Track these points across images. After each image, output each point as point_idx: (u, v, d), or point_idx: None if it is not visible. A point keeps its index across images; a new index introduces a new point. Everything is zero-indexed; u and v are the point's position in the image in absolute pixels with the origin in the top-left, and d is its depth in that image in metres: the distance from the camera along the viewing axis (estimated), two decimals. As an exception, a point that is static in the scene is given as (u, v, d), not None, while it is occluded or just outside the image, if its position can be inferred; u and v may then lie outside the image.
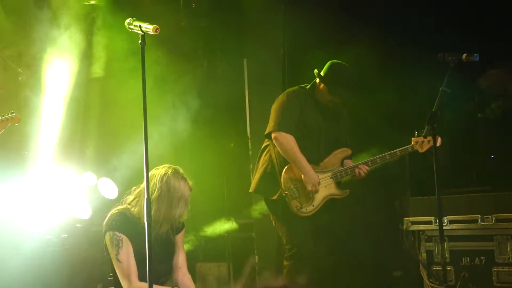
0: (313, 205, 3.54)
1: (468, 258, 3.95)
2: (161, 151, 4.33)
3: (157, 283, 2.70)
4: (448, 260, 3.67)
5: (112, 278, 2.79)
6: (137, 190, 2.77)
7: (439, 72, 3.25)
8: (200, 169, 4.61)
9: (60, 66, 4.64)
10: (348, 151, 3.65)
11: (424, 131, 3.37)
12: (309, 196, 3.54)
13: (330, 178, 3.61)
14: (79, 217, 4.60)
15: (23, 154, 4.71)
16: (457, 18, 4.35)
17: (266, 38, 4.87)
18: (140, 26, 2.44)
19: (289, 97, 3.61)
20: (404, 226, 4.19)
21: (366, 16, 4.48)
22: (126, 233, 2.65)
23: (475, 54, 3.06)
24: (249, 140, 4.98)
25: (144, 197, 2.46)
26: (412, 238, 4.24)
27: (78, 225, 4.60)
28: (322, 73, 3.53)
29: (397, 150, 3.63)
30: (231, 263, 5.01)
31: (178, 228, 2.90)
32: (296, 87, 3.71)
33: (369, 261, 4.22)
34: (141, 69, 2.43)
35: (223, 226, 5.17)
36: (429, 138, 3.52)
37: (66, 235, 4.40)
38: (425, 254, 4.11)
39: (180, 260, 2.89)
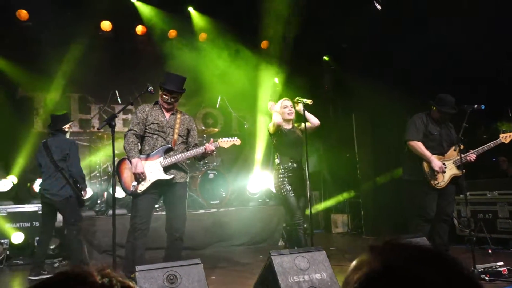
0: (443, 181, 4.05)
1: (482, 215, 5.19)
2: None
3: None
4: (469, 215, 4.42)
5: None
6: None
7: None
8: (334, 167, 7.17)
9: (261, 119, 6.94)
10: (461, 146, 3.97)
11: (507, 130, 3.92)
12: (440, 175, 4.01)
13: (452, 163, 4.10)
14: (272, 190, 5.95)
15: (249, 164, 7.20)
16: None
17: (363, 106, 6.77)
18: (303, 100, 3.62)
19: (415, 118, 4.21)
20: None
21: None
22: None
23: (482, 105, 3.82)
24: (356, 154, 7.01)
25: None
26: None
27: (272, 194, 6.39)
28: (434, 102, 4.09)
29: (491, 142, 4.05)
30: (349, 214, 6.94)
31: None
32: (420, 113, 4.25)
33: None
34: (303, 122, 3.67)
35: (344, 195, 7.26)
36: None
37: (267, 200, 6.49)
38: (456, 212, 5.33)
39: None
